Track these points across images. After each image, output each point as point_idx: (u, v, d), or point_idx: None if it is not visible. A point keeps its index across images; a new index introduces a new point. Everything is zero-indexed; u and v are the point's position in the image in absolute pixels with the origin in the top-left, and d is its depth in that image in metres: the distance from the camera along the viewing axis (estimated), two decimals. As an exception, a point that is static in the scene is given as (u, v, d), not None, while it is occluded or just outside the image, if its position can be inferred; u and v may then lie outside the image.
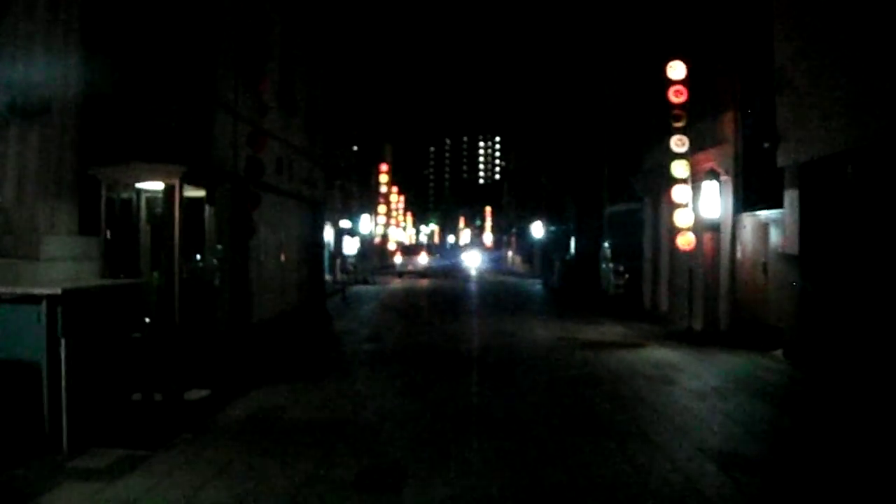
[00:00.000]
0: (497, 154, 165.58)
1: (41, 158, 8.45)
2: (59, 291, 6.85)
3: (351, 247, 34.47)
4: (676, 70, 16.01)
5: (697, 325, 16.00)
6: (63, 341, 6.83)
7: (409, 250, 49.25)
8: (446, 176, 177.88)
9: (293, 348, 13.91)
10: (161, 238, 9.07)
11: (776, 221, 13.58)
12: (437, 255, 75.05)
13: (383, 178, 44.10)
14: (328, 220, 28.08)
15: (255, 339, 12.95)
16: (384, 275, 41.57)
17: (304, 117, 17.77)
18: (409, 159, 76.51)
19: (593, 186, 28.61)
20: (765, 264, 14.31)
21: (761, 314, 14.18)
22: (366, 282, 34.68)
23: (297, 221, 17.56)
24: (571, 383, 10.76)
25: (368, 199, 42.21)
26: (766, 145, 12.96)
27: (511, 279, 41.59)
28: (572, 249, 31.09)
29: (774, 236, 13.83)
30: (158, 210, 9.37)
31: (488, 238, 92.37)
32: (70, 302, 6.92)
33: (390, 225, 48.33)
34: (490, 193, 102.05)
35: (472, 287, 34.72)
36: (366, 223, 38.90)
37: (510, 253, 60.23)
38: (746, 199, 14.70)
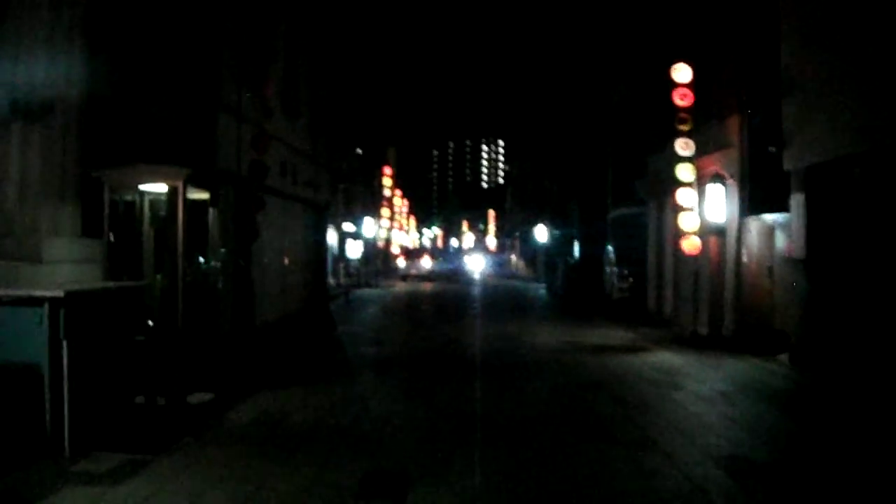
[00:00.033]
0: (500, 158, 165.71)
1: (44, 160, 8.42)
2: (61, 294, 6.80)
3: (354, 250, 34.44)
4: (682, 73, 15.95)
5: (702, 330, 15.91)
6: (65, 344, 6.78)
7: (413, 254, 49.19)
8: (450, 180, 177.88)
9: (297, 352, 13.86)
10: (164, 241, 9.04)
11: (782, 225, 13.50)
12: (441, 258, 75.06)
13: (387, 181, 44.01)
14: (331, 223, 28.06)
15: (258, 342, 12.90)
16: (387, 278, 41.54)
17: (308, 120, 17.74)
18: (412, 163, 76.58)
19: (597, 190, 28.54)
20: (770, 268, 14.23)
21: (767, 319, 14.10)
22: (369, 285, 34.64)
23: (301, 225, 17.52)
24: (577, 388, 10.69)
25: (372, 203, 42.17)
26: (772, 149, 12.89)
27: (514, 283, 41.53)
28: (576, 253, 31.02)
29: (780, 240, 13.75)
30: (162, 212, 9.35)
31: (491, 242, 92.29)
32: (72, 304, 6.87)
33: (394, 228, 48.24)
34: (493, 197, 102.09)
35: (476, 291, 34.66)
36: (369, 227, 38.85)
37: (513, 257, 60.16)
38: (752, 202, 14.62)
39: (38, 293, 6.86)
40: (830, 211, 11.48)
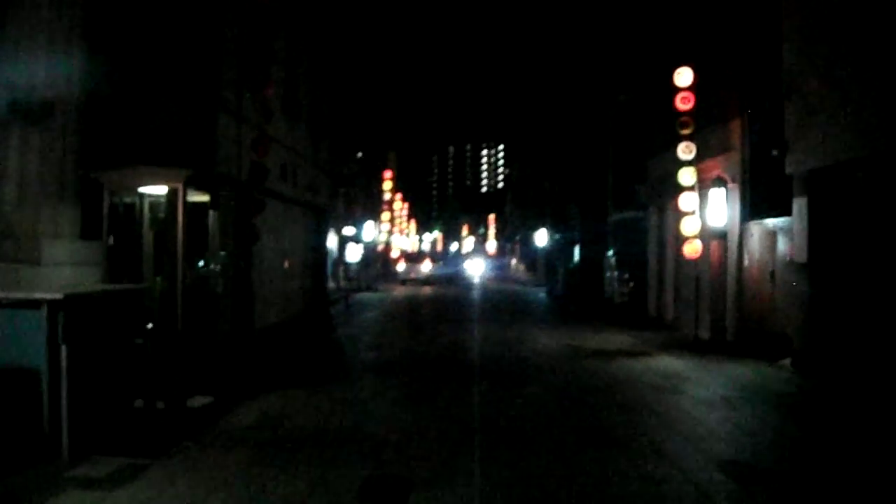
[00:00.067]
0: (500, 162, 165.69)
1: (43, 161, 8.38)
2: (60, 296, 6.75)
3: (354, 254, 34.40)
4: (684, 77, 15.92)
5: (704, 334, 15.87)
6: (64, 347, 6.73)
7: (413, 258, 49.09)
8: (450, 184, 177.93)
9: (296, 355, 13.81)
10: (164, 243, 9.00)
11: (784, 229, 13.46)
12: (441, 262, 75.03)
13: (387, 185, 44.01)
14: (332, 226, 28.02)
15: (258, 345, 12.85)
16: (387, 282, 41.47)
17: (309, 124, 17.71)
18: (412, 167, 76.54)
19: (598, 194, 28.51)
20: (772, 272, 14.19)
21: (769, 323, 14.06)
22: (369, 289, 34.59)
23: (301, 228, 17.48)
24: (579, 393, 10.64)
25: (372, 207, 42.15)
26: (774, 153, 12.86)
27: (514, 287, 41.48)
28: (576, 257, 30.97)
29: (782, 244, 13.71)
30: (161, 215, 9.30)
31: (491, 246, 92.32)
32: (71, 307, 6.82)
33: (394, 232, 48.21)
34: (493, 201, 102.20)
35: (476, 295, 34.61)
36: (369, 230, 38.82)
37: (513, 261, 60.18)
38: (754, 206, 14.58)
39: (37, 296, 6.81)
40: (833, 215, 11.45)
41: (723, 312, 15.58)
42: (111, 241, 9.20)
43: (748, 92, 14.70)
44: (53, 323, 6.71)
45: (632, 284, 23.18)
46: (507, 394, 10.50)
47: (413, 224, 74.88)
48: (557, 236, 36.07)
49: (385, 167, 44.74)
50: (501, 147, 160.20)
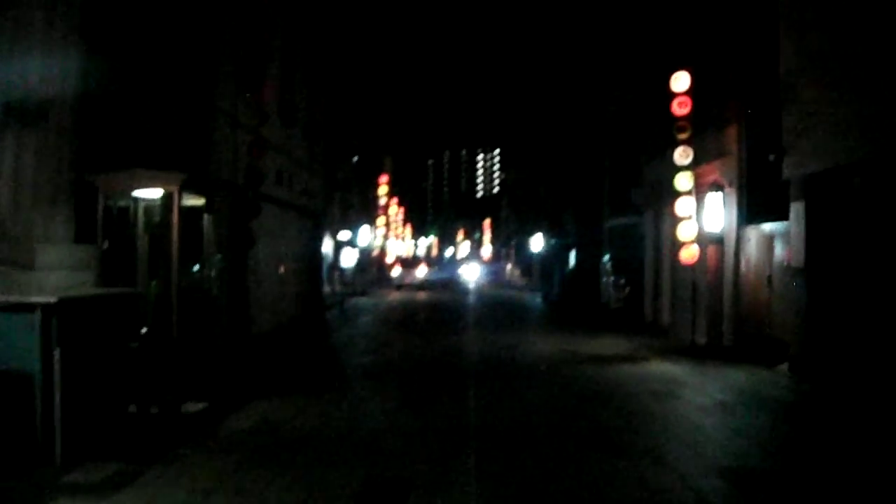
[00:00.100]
0: (496, 167, 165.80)
1: (38, 164, 8.30)
2: (53, 300, 6.69)
3: (349, 259, 34.32)
4: (681, 81, 15.87)
5: (701, 339, 15.83)
6: (57, 351, 6.66)
7: (408, 263, 49.06)
8: (445, 189, 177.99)
9: (292, 360, 13.74)
10: (159, 247, 8.94)
11: (781, 234, 13.44)
12: (436, 267, 75.05)
13: (383, 189, 43.95)
14: (327, 231, 27.95)
15: (253, 350, 12.78)
16: (382, 287, 41.41)
17: (304, 128, 17.67)
18: (408, 172, 76.48)
19: (594, 199, 28.50)
20: (769, 277, 14.15)
21: (766, 328, 14.02)
22: (364, 294, 34.52)
23: (297, 232, 17.43)
24: (576, 398, 10.58)
25: (367, 211, 42.08)
26: (771, 157, 12.83)
27: (510, 292, 41.41)
28: (572, 262, 30.92)
29: (779, 249, 13.68)
30: (156, 218, 9.24)
31: (487, 251, 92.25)
32: (65, 311, 6.76)
33: (389, 237, 48.17)
34: (489, 206, 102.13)
35: (471, 300, 34.56)
36: (365, 235, 38.75)
37: (509, 266, 60.04)
38: (751, 211, 14.55)
39: (31, 299, 6.76)
40: (830, 219, 11.43)
41: (719, 317, 15.53)
42: (106, 244, 9.14)
43: (745, 96, 14.68)
44: (47, 327, 6.64)
45: (628, 289, 23.15)
46: (504, 399, 10.45)
47: (408, 229, 74.85)
48: (553, 241, 36.02)
49: (381, 172, 44.68)
50: (497, 152, 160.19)
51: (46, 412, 6.66)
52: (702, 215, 15.65)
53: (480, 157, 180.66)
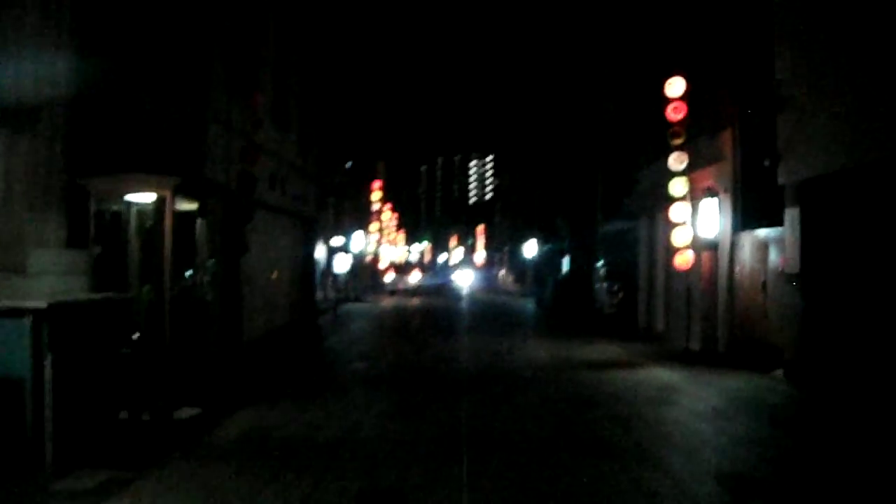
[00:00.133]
0: (489, 173, 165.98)
1: (29, 168, 8.23)
2: (44, 305, 6.61)
3: (343, 264, 34.24)
4: (675, 86, 15.84)
5: (695, 345, 15.81)
6: (48, 357, 6.58)
7: (401, 269, 49.00)
8: (438, 195, 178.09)
9: (285, 366, 13.66)
10: (151, 252, 8.85)
11: (776, 240, 13.43)
12: (429, 273, 75.04)
13: (376, 195, 43.87)
14: (320, 237, 27.88)
15: (246, 356, 12.70)
16: (376, 293, 41.36)
17: (298, 133, 17.62)
18: (401, 178, 76.46)
19: (587, 205, 28.52)
20: (764, 283, 14.14)
21: (761, 334, 14.00)
22: (357, 300, 34.46)
23: (290, 238, 17.36)
24: (570, 404, 10.54)
25: (361, 217, 41.99)
26: (766, 163, 12.83)
27: (503, 298, 41.41)
28: (565, 268, 30.92)
29: (774, 255, 13.68)
30: (149, 223, 9.15)
31: (480, 257, 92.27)
32: (56, 316, 6.68)
33: (382, 243, 48.05)
34: (482, 212, 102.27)
35: (464, 306, 34.53)
36: (358, 241, 38.65)
37: (502, 272, 60.08)
38: (745, 217, 14.55)
39: (22, 304, 6.67)
40: (825, 225, 11.42)
41: (714, 323, 15.52)
42: (98, 249, 9.06)
43: (740, 102, 14.69)
44: (38, 332, 6.56)
45: (621, 295, 23.14)
46: (499, 405, 10.39)
47: (402, 235, 74.79)
48: (546, 247, 36.06)
49: (374, 177, 44.60)
50: (490, 158, 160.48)
51: (37, 418, 6.57)
52: (696, 221, 15.64)
53: (473, 163, 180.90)
